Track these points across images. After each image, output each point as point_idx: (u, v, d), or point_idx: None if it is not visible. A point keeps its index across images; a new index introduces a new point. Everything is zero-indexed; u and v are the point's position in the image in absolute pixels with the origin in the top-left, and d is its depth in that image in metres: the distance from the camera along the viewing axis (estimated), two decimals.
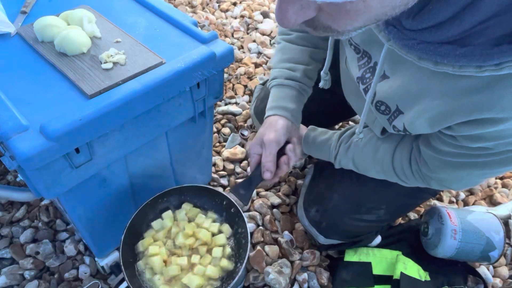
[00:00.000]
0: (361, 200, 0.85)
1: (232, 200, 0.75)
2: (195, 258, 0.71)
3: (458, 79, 0.47)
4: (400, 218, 1.01)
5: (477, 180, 0.65)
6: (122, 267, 0.67)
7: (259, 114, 1.03)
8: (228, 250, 0.73)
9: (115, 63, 0.62)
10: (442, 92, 0.50)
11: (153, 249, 0.71)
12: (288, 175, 1.10)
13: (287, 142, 0.79)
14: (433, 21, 0.42)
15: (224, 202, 0.77)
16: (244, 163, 1.11)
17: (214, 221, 0.77)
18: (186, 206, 0.78)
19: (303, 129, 0.87)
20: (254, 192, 1.04)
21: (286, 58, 0.81)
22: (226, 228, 0.76)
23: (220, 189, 0.86)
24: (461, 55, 0.42)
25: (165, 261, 0.71)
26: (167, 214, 0.76)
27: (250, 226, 0.96)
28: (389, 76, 0.59)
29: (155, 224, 0.76)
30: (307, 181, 0.96)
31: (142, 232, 0.76)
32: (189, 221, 0.76)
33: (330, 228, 0.86)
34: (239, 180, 1.07)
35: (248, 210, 1.01)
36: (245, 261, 0.68)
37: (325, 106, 0.98)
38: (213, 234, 0.75)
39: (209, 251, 0.73)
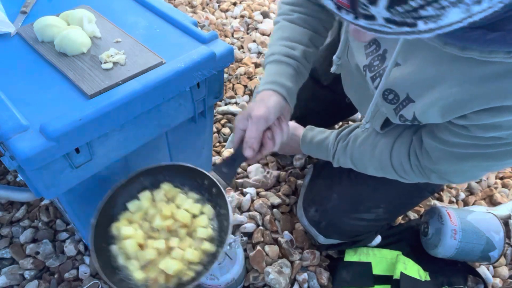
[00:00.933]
0: (360, 199, 0.85)
1: (214, 179, 0.69)
2: (173, 241, 0.65)
3: (483, 64, 0.46)
4: (400, 218, 1.01)
5: (480, 173, 0.64)
6: (94, 253, 0.61)
7: None
8: (210, 232, 0.67)
9: (115, 63, 0.62)
10: (462, 79, 0.50)
11: (127, 230, 0.64)
12: (288, 175, 1.10)
13: None
14: None
15: (206, 182, 0.71)
16: (244, 163, 1.11)
17: (195, 202, 0.71)
18: (165, 186, 0.70)
19: (301, 129, 0.87)
20: (253, 190, 1.03)
21: (286, 36, 0.76)
22: (208, 209, 0.69)
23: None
24: (491, 41, 0.41)
25: (141, 246, 0.65)
26: (144, 195, 0.69)
27: (250, 226, 0.96)
28: (400, 63, 0.58)
29: (131, 205, 0.68)
30: (307, 181, 0.96)
31: (117, 214, 0.68)
32: (169, 202, 0.70)
33: (329, 227, 0.86)
34: (239, 181, 1.07)
35: (248, 210, 1.01)
36: (226, 243, 0.64)
37: (325, 105, 0.98)
38: (194, 216, 0.68)
39: (189, 234, 0.67)
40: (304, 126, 0.87)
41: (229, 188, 1.04)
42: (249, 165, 1.11)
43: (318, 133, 0.83)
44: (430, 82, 0.54)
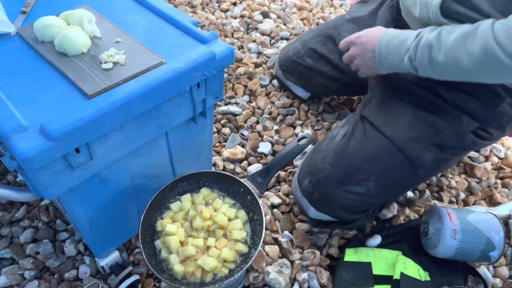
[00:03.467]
0: (351, 170, 0.85)
1: (250, 187, 0.78)
2: (211, 241, 0.73)
3: None
4: (400, 218, 1.01)
5: None
6: (140, 244, 0.70)
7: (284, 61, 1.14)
8: (244, 234, 0.75)
9: (115, 63, 0.62)
10: None
11: (171, 228, 0.73)
12: (288, 175, 1.10)
13: None
14: None
15: (241, 189, 0.79)
16: (244, 163, 1.11)
17: (230, 206, 0.79)
18: (204, 191, 0.80)
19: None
20: None
21: None
22: (242, 214, 0.78)
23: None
24: None
25: (181, 242, 0.73)
26: (186, 197, 0.78)
27: None
28: None
29: (174, 206, 0.78)
30: (305, 156, 0.98)
31: (160, 213, 0.78)
32: (207, 205, 0.78)
33: (320, 198, 0.87)
34: None
35: None
36: (259, 246, 0.70)
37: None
38: (229, 219, 0.76)
39: (225, 235, 0.75)
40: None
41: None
42: (249, 164, 1.11)
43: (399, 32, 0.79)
44: None
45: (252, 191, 0.77)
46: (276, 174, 1.07)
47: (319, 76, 1.15)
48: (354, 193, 0.85)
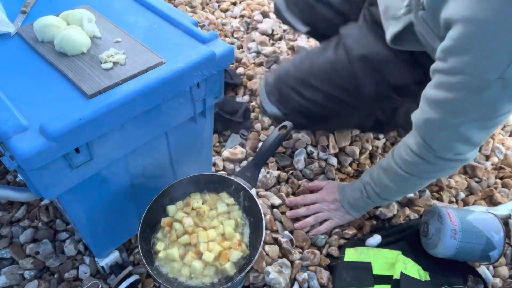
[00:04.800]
0: (308, 74, 0.92)
1: (241, 183, 0.79)
2: (212, 236, 0.74)
3: None
4: (401, 217, 1.01)
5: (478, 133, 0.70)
6: (139, 244, 0.70)
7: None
8: (238, 236, 0.76)
9: (115, 63, 0.62)
10: None
11: (179, 213, 0.77)
12: (289, 177, 1.10)
13: None
14: None
15: (233, 186, 0.81)
16: (244, 163, 1.11)
17: (230, 206, 0.80)
18: (206, 196, 0.82)
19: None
20: (253, 190, 1.02)
21: None
22: (239, 214, 0.80)
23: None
24: None
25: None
26: (196, 196, 0.81)
27: None
28: None
29: (178, 204, 0.79)
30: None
31: (160, 213, 0.78)
32: (211, 209, 0.80)
33: (275, 92, 0.95)
34: None
35: None
36: (259, 250, 0.71)
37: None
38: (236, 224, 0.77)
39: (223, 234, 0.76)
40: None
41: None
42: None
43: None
44: None
45: (244, 186, 0.78)
46: (276, 175, 1.07)
47: (326, 7, 1.10)
48: (304, 97, 0.91)
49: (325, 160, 1.13)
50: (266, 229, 0.97)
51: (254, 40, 1.48)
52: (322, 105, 0.92)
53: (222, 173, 1.08)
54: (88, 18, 0.67)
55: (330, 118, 0.98)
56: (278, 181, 1.09)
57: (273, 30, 1.53)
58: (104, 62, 0.62)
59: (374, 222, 1.01)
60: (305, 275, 0.89)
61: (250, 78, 1.34)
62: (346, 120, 1.06)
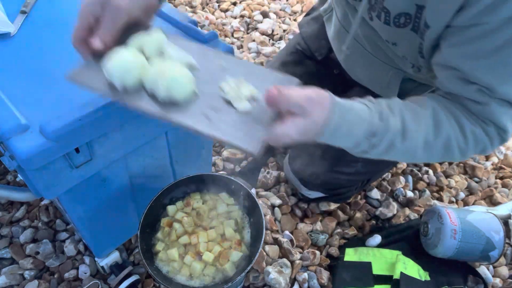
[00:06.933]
0: (341, 154, 0.81)
1: (241, 183, 0.79)
2: (211, 237, 0.74)
3: None
4: (401, 217, 1.01)
5: None
6: (139, 237, 0.70)
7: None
8: (238, 236, 0.75)
9: None
10: None
11: (179, 214, 0.76)
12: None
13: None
14: None
15: (233, 187, 0.80)
16: (244, 163, 1.11)
17: (230, 206, 0.79)
18: (206, 196, 0.81)
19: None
20: (253, 190, 1.03)
21: None
22: (239, 214, 0.79)
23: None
24: None
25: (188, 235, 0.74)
26: (195, 196, 0.80)
27: None
28: None
29: (178, 204, 0.79)
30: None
31: (160, 214, 0.78)
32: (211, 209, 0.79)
33: (312, 180, 0.92)
34: None
35: None
36: (260, 246, 0.70)
37: (322, 80, 1.00)
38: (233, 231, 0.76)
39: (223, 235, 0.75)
40: None
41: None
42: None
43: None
44: None
45: (244, 186, 0.78)
46: (276, 175, 1.07)
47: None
48: (344, 173, 0.90)
49: None
50: (266, 229, 0.97)
51: (254, 40, 1.48)
52: (363, 172, 0.92)
53: (222, 173, 1.08)
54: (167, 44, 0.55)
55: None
56: (278, 181, 1.09)
57: (273, 30, 1.54)
58: None
59: (374, 222, 1.01)
60: (305, 275, 0.89)
61: None
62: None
